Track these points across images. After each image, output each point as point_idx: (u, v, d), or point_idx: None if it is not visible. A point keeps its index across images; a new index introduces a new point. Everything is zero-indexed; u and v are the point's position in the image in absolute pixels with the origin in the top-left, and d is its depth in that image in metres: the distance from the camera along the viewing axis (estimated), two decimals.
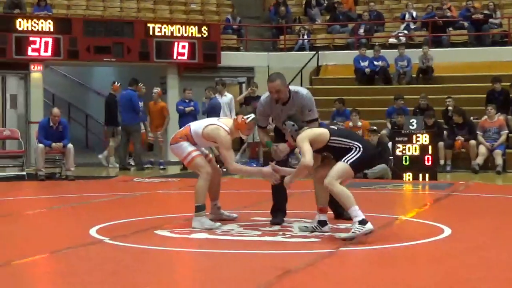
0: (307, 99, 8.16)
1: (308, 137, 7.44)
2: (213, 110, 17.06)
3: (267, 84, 8.12)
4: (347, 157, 7.36)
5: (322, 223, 7.81)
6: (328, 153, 7.61)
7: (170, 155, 18.64)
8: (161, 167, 17.07)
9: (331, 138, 7.45)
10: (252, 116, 8.21)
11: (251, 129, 8.31)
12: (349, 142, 7.44)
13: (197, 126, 8.37)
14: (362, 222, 7.11)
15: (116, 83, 17.72)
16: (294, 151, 9.26)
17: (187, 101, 17.08)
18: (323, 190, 7.57)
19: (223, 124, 8.24)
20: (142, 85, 17.39)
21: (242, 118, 8.17)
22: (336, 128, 7.92)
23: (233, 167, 8.12)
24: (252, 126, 8.26)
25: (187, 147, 8.32)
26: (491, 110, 16.15)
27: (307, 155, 7.34)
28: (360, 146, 7.41)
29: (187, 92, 17.18)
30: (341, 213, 8.33)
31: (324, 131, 7.52)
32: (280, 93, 8.03)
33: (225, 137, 8.13)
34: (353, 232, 7.11)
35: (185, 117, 16.51)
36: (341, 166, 7.35)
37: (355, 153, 7.37)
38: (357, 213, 7.17)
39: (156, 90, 17.34)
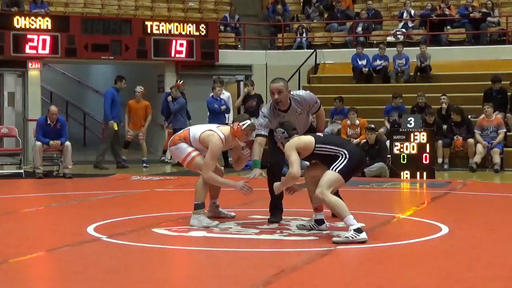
0: (309, 96, 8.26)
1: (296, 146, 7.43)
2: (183, 109, 17.01)
3: (270, 85, 8.12)
4: (335, 165, 7.33)
5: (319, 222, 7.81)
6: (316, 161, 7.60)
7: (153, 154, 18.70)
8: (144, 165, 16.89)
9: (316, 145, 7.43)
10: (248, 122, 8.17)
11: (248, 135, 8.25)
12: (335, 149, 7.40)
13: (196, 130, 8.38)
14: (358, 231, 7.10)
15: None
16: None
17: (218, 98, 16.91)
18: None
19: (220, 131, 8.23)
20: (182, 81, 17.56)
21: (238, 125, 8.14)
22: (321, 135, 7.88)
23: (208, 175, 8.09)
24: (248, 132, 8.21)
25: (186, 148, 8.32)
26: (487, 109, 16.15)
27: (295, 166, 7.33)
28: (346, 152, 7.36)
29: (218, 89, 16.93)
30: None
31: (310, 139, 7.49)
32: (281, 94, 8.02)
33: (216, 144, 8.09)
34: (346, 237, 7.08)
35: (218, 115, 16.52)
36: (331, 174, 7.31)
37: (342, 160, 7.33)
38: (353, 222, 7.14)
39: (140, 89, 17.06)
